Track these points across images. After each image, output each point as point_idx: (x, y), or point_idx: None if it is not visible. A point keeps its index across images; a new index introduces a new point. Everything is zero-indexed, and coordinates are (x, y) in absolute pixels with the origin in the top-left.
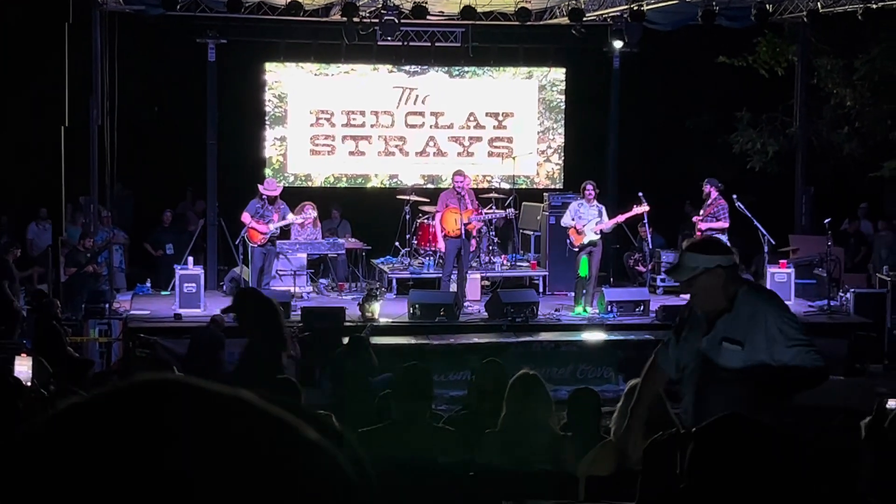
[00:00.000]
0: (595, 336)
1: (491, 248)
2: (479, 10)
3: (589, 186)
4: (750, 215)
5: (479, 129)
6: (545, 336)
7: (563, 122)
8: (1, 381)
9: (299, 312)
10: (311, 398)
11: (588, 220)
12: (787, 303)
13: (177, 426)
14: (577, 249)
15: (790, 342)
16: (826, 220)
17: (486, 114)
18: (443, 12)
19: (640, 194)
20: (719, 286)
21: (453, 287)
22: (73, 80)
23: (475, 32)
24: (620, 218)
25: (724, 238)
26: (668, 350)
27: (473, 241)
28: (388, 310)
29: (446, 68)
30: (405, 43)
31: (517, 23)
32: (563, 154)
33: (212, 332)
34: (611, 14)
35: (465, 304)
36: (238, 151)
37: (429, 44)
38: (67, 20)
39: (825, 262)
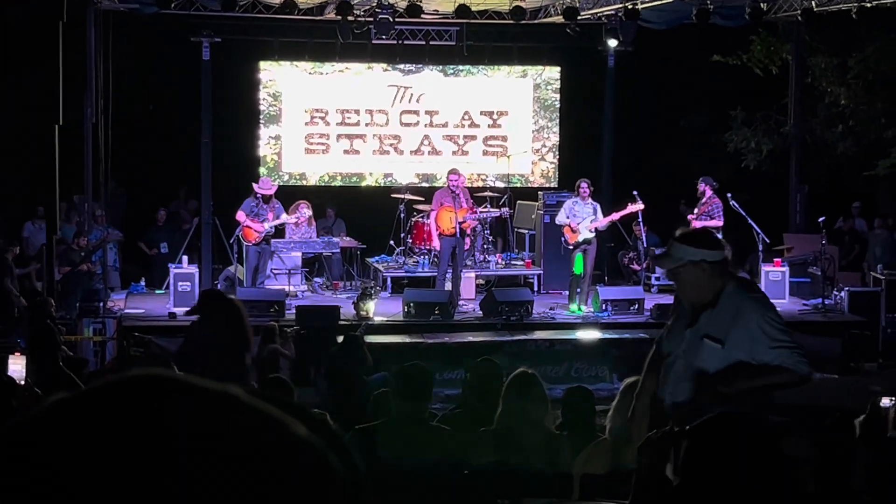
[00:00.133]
0: (589, 335)
1: (485, 246)
2: (473, 8)
3: (583, 184)
4: (744, 214)
5: (473, 127)
6: (540, 335)
7: (557, 120)
8: None
9: (294, 311)
10: (305, 397)
11: (583, 219)
12: (781, 301)
13: (164, 421)
14: (571, 247)
15: (773, 343)
16: (820, 219)
17: (481, 112)
18: (437, 11)
19: (635, 192)
20: (704, 280)
21: (448, 286)
22: (68, 79)
23: (470, 31)
24: (615, 216)
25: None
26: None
27: (468, 240)
28: (382, 308)
29: (441, 67)
30: (400, 41)
31: (512, 21)
32: (557, 153)
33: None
34: (605, 13)
35: (460, 302)
36: (232, 150)
37: (423, 42)
38: (62, 18)
39: (819, 260)
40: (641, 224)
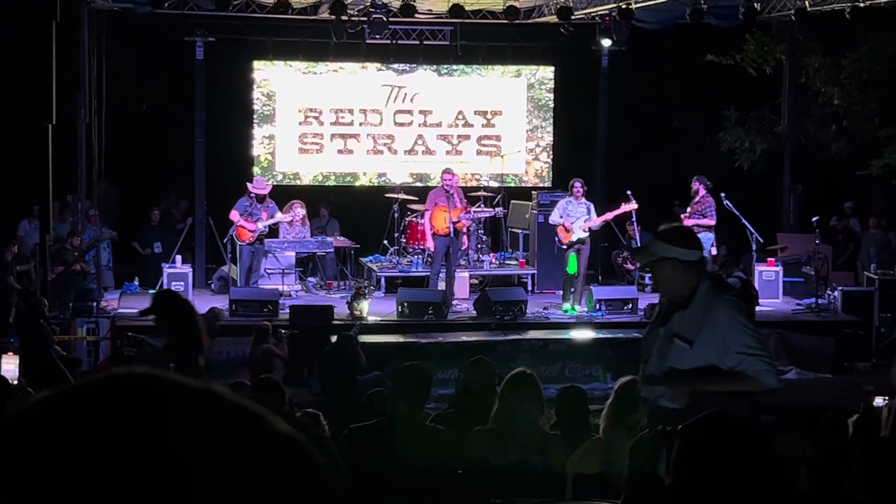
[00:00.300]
0: (583, 334)
1: (479, 246)
2: (467, 8)
3: (577, 184)
4: (738, 213)
5: (467, 127)
6: (533, 334)
7: (551, 120)
8: None
9: (288, 311)
10: (299, 396)
11: (576, 218)
12: (775, 301)
13: (147, 418)
14: (565, 247)
15: (740, 349)
16: (814, 219)
17: (475, 112)
18: (431, 10)
19: (629, 192)
20: (677, 277)
21: (442, 285)
22: (61, 78)
23: (464, 31)
24: (609, 216)
25: (710, 235)
26: None
27: (465, 239)
28: (376, 308)
29: (435, 66)
30: (394, 41)
31: (506, 21)
32: (551, 152)
33: (204, 320)
34: (599, 12)
35: (454, 302)
36: (226, 150)
37: (417, 42)
38: (55, 18)
39: (813, 260)
40: (635, 223)
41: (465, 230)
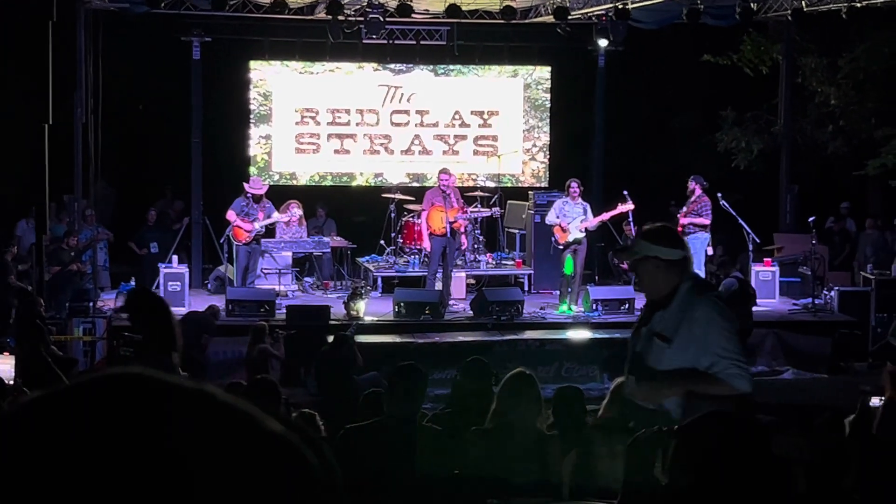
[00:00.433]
0: (580, 334)
1: (476, 246)
2: (464, 8)
3: (574, 184)
4: (735, 214)
5: (464, 127)
6: (530, 334)
7: (548, 120)
8: None
9: (284, 311)
10: (295, 396)
11: (573, 218)
12: (771, 301)
13: (140, 417)
14: (561, 247)
15: (716, 350)
16: (810, 219)
17: (472, 112)
18: (428, 10)
19: (625, 192)
20: (659, 276)
21: (438, 285)
22: (58, 78)
23: (460, 31)
24: (605, 216)
25: (706, 235)
26: None
27: (463, 239)
28: (373, 308)
29: (431, 67)
30: (390, 41)
31: (502, 21)
32: (548, 152)
33: (203, 316)
34: (596, 12)
35: (451, 302)
36: (223, 150)
37: (414, 42)
38: (51, 18)
39: (810, 260)
40: (632, 224)
41: (461, 230)
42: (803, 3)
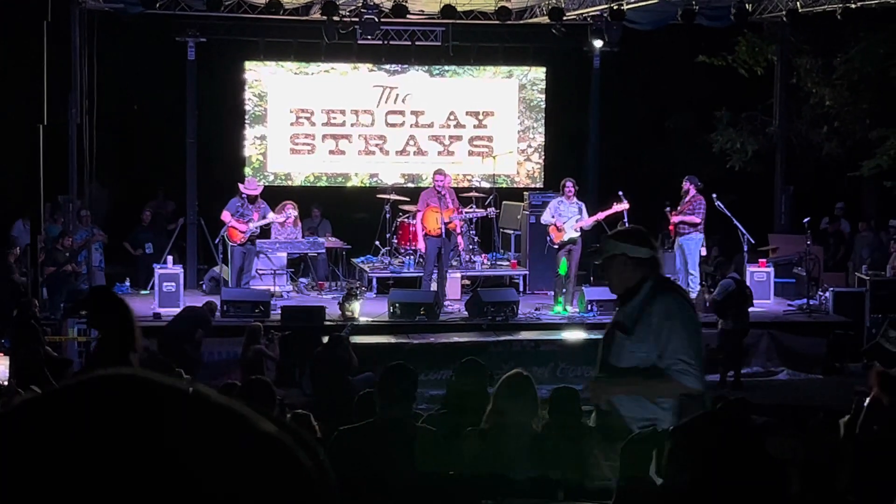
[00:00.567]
0: (575, 335)
1: (471, 247)
2: (459, 9)
3: (569, 184)
4: (730, 214)
5: (459, 128)
6: (525, 335)
7: (543, 121)
8: None
9: (279, 312)
10: (290, 397)
11: (568, 218)
12: (766, 302)
13: (132, 419)
14: (556, 247)
15: (668, 344)
16: (805, 220)
17: (467, 113)
18: (423, 11)
19: (620, 193)
20: (627, 273)
21: (433, 286)
22: (52, 79)
23: (455, 31)
24: (600, 216)
25: (700, 236)
26: None
27: (458, 240)
28: (368, 309)
29: (426, 67)
30: (385, 42)
31: (497, 22)
32: (543, 153)
33: (200, 311)
34: (591, 13)
35: (446, 303)
36: (218, 150)
37: (409, 43)
38: (46, 18)
39: (804, 261)
40: (627, 224)
41: (457, 231)
42: (798, 4)
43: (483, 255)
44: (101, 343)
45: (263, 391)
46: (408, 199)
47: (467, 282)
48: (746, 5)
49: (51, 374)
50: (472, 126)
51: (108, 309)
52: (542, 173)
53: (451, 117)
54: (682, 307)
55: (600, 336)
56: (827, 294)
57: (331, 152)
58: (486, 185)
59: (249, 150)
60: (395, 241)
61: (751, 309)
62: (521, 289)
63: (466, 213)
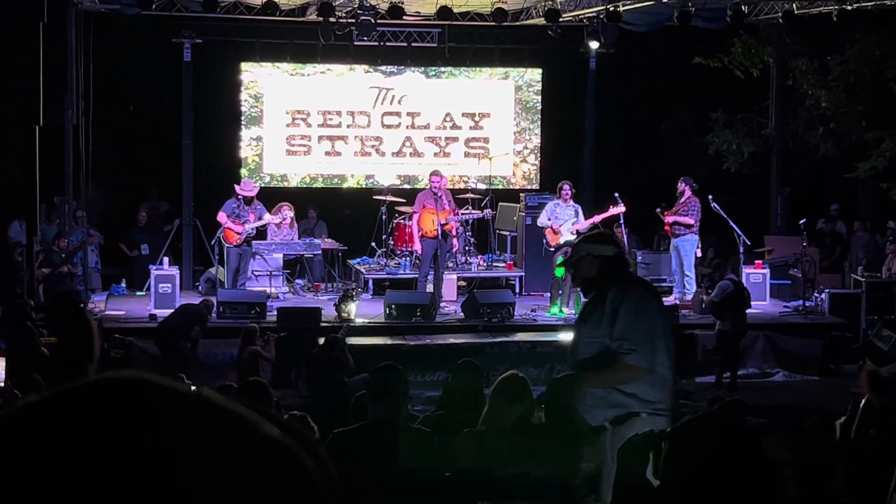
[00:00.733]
0: (571, 336)
1: (467, 248)
2: (455, 10)
3: (565, 186)
4: (725, 216)
5: (455, 129)
6: (521, 336)
7: (539, 122)
8: None
9: (275, 313)
10: (286, 399)
11: (564, 221)
12: (762, 303)
13: (136, 422)
14: (553, 249)
15: (616, 327)
16: (801, 221)
17: (463, 114)
18: (419, 13)
19: (617, 195)
20: (593, 272)
21: (430, 287)
22: (48, 80)
23: (451, 33)
24: (597, 218)
25: (695, 237)
26: None
27: (454, 241)
28: (364, 310)
29: (423, 69)
30: (381, 43)
31: (493, 23)
32: (539, 155)
33: (196, 308)
34: (587, 15)
35: (442, 304)
36: (214, 151)
37: (405, 44)
38: (42, 19)
39: (800, 262)
40: (623, 227)
41: (453, 232)
42: (794, 5)
43: (479, 257)
44: (58, 349)
45: (260, 392)
46: (404, 201)
47: (463, 283)
48: (742, 7)
49: (46, 377)
50: (469, 127)
51: (70, 318)
52: (539, 175)
53: (448, 119)
54: (635, 293)
55: None
56: (823, 295)
57: (327, 154)
58: (482, 186)
59: (245, 151)
60: (392, 242)
61: (747, 310)
62: (518, 290)
63: (463, 214)
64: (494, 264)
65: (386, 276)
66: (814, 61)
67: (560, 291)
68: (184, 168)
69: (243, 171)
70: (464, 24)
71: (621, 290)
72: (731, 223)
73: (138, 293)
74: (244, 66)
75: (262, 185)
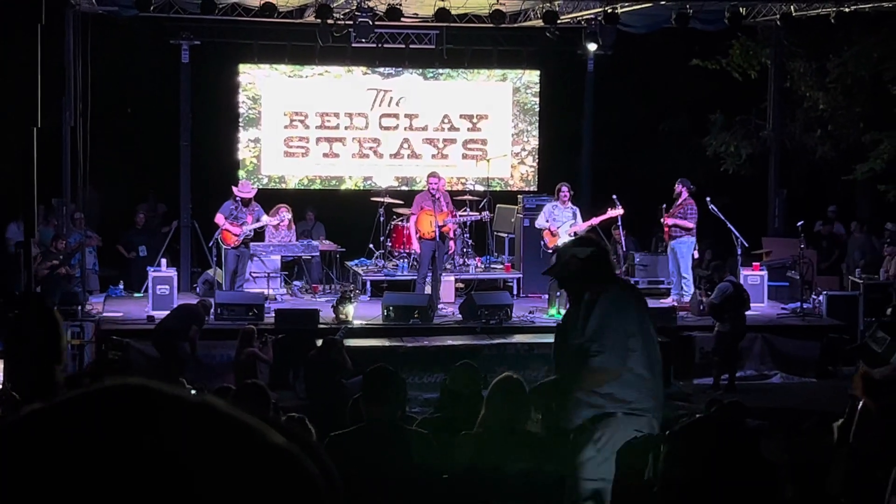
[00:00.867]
0: None
1: (465, 250)
2: (453, 12)
3: (564, 188)
4: (723, 218)
5: (453, 131)
6: (519, 338)
7: (537, 124)
8: None
9: (273, 315)
10: (284, 400)
11: (562, 223)
12: (760, 305)
13: (141, 431)
14: (550, 251)
15: (586, 326)
16: (799, 223)
17: (461, 116)
18: (417, 14)
19: (615, 197)
20: (575, 273)
21: (427, 289)
22: (46, 81)
23: (449, 34)
24: (595, 220)
25: (692, 239)
26: None
27: (452, 243)
28: (361, 312)
29: (420, 70)
30: (379, 45)
31: (491, 25)
32: (537, 156)
33: (194, 308)
34: (585, 17)
35: (439, 306)
36: (212, 153)
37: (403, 46)
38: (40, 21)
39: (798, 264)
40: (621, 229)
41: (450, 234)
42: (792, 7)
43: (477, 259)
44: (25, 351)
45: (258, 395)
46: (402, 203)
47: (461, 285)
48: (740, 9)
49: (43, 379)
50: (466, 129)
51: (38, 321)
52: (536, 176)
53: (445, 120)
54: (611, 293)
55: None
56: (820, 297)
57: (325, 155)
58: (479, 188)
59: (243, 152)
60: (389, 244)
61: (746, 312)
62: (515, 292)
63: (461, 216)
64: (492, 266)
65: (384, 277)
66: (811, 63)
67: (558, 293)
68: (182, 170)
69: (241, 173)
70: (462, 26)
71: (597, 290)
72: (729, 225)
73: (136, 295)
74: (242, 67)
75: (260, 187)
